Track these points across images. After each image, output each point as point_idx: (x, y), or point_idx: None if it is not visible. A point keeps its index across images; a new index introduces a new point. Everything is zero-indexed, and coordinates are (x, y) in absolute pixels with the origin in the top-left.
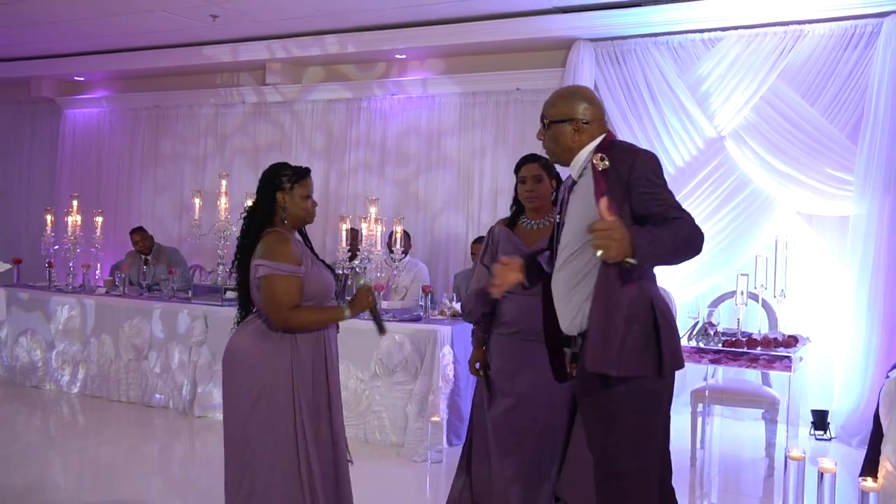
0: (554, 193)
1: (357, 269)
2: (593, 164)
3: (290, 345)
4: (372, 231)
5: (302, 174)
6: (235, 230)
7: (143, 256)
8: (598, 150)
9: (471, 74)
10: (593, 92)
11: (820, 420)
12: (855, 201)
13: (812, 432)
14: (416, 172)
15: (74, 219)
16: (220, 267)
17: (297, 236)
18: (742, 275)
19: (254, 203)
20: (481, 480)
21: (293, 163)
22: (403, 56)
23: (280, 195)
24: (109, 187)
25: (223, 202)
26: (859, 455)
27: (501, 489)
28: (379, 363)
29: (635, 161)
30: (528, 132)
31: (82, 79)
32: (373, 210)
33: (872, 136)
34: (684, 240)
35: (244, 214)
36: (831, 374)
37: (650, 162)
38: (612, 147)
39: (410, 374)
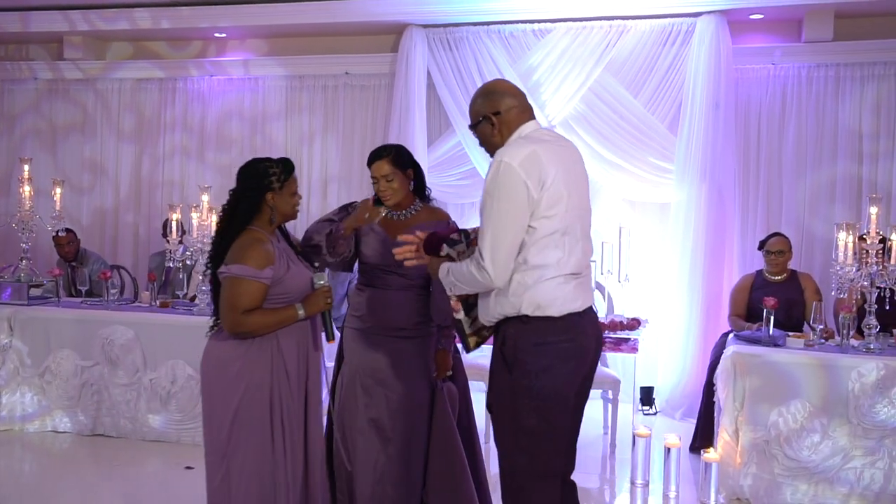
0: (413, 182)
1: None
2: None
3: (271, 350)
4: (205, 221)
5: (289, 171)
6: (42, 220)
7: None
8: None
9: (297, 57)
10: (505, 81)
11: (646, 396)
12: (675, 188)
13: (639, 408)
14: (240, 158)
15: None
16: (24, 262)
17: (277, 233)
18: (591, 261)
19: (233, 202)
20: (343, 480)
21: (100, 146)
22: (223, 35)
23: (270, 195)
24: None
25: (27, 190)
26: (683, 426)
27: (368, 489)
28: None
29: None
30: (358, 118)
31: None
32: (205, 198)
33: (690, 128)
34: (465, 277)
35: (221, 213)
36: (655, 351)
37: (489, 177)
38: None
39: None
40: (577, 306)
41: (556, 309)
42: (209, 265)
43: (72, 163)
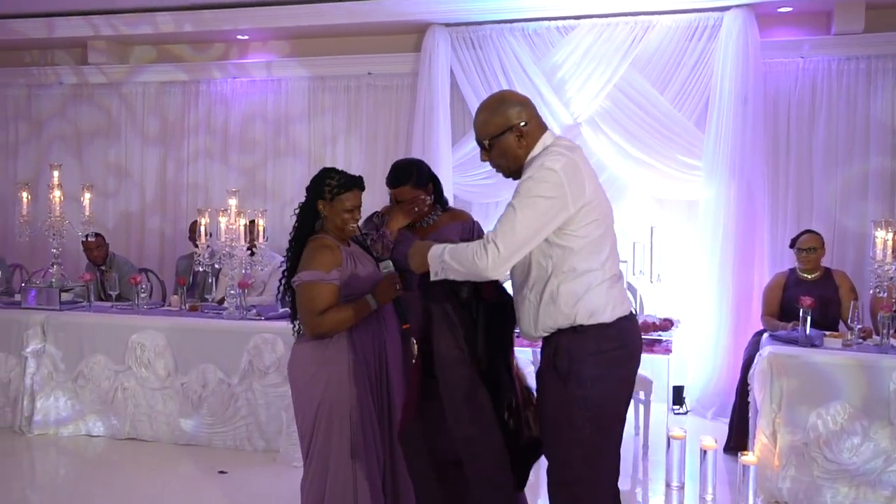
0: (432, 196)
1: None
2: None
3: (346, 347)
4: (233, 224)
5: (346, 187)
6: (71, 225)
7: None
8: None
9: (320, 58)
10: (514, 92)
11: (677, 395)
12: (703, 185)
13: (670, 407)
14: (264, 160)
15: None
16: (55, 267)
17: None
18: (622, 262)
19: (300, 210)
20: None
21: (125, 149)
22: (246, 37)
23: (321, 204)
24: None
25: (57, 195)
26: (714, 426)
27: None
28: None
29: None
30: (382, 118)
31: None
32: (233, 202)
33: (717, 124)
34: (461, 257)
35: (295, 220)
36: (685, 350)
37: (529, 175)
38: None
39: (284, 375)
40: (625, 310)
41: (609, 314)
42: (285, 273)
43: (97, 167)
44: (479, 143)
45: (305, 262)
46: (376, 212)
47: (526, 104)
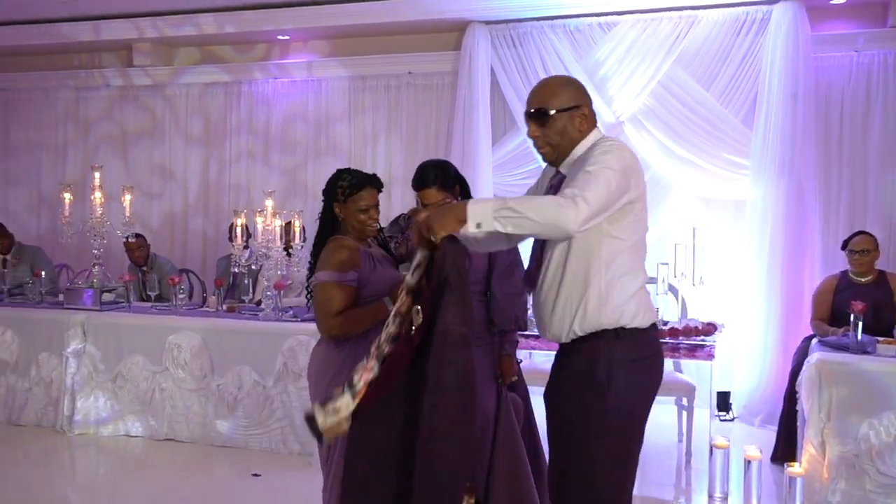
0: (459, 198)
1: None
2: None
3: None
4: (269, 225)
5: (358, 186)
6: (112, 226)
7: (1, 257)
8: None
9: (360, 57)
10: None
11: (723, 401)
12: (750, 185)
13: (715, 413)
14: (304, 160)
15: None
16: (97, 268)
17: (371, 240)
18: (662, 264)
19: (321, 213)
20: None
21: (168, 150)
22: (286, 37)
23: (337, 207)
24: None
25: (98, 197)
26: (762, 434)
27: None
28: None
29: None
30: (422, 117)
31: None
32: (269, 203)
33: (766, 121)
34: (538, 206)
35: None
36: (732, 355)
37: (601, 153)
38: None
39: None
40: (654, 317)
41: (647, 319)
42: (309, 274)
43: (142, 168)
44: (539, 112)
45: (322, 263)
46: (402, 214)
47: (587, 94)
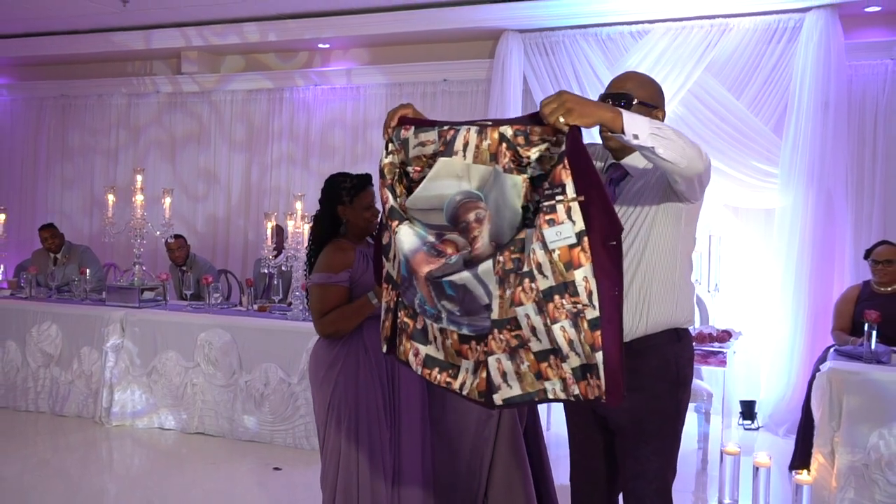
0: None
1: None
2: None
3: (357, 347)
4: (298, 228)
5: (361, 186)
6: (152, 227)
7: (52, 255)
8: None
9: (397, 65)
10: None
11: (748, 410)
12: (780, 194)
13: (740, 422)
14: (342, 165)
15: None
16: (137, 267)
17: (369, 241)
18: None
19: (317, 216)
20: None
21: (213, 155)
22: (327, 45)
23: (341, 209)
24: (12, 182)
25: (139, 199)
26: (786, 444)
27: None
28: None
29: None
30: None
31: None
32: (299, 206)
33: (796, 130)
34: (684, 138)
35: (311, 225)
36: (758, 364)
37: None
38: None
39: None
40: None
41: (693, 319)
42: (307, 274)
43: (188, 171)
44: (622, 96)
45: (319, 265)
46: None
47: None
